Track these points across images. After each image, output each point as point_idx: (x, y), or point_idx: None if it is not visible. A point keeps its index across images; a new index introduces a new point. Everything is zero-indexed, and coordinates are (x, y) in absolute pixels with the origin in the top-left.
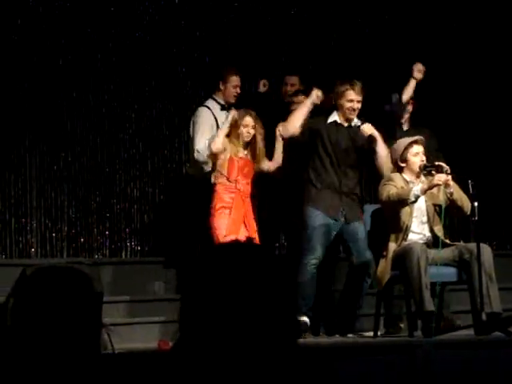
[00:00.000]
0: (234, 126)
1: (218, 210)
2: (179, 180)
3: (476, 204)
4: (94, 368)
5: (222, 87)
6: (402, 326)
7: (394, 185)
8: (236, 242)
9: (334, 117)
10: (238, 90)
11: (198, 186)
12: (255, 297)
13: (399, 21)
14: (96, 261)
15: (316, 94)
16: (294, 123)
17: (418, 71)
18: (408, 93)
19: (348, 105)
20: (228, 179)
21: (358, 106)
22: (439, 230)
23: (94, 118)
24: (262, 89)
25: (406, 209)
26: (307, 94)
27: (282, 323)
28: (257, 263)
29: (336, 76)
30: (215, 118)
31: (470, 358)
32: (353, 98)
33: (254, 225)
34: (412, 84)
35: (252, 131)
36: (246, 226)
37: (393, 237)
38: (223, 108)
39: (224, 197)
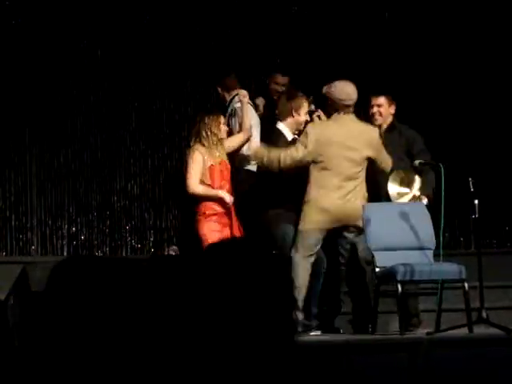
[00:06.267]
0: (206, 131)
1: (207, 216)
2: (179, 177)
3: (476, 202)
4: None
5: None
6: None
7: None
8: (228, 244)
9: (289, 133)
10: None
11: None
12: (248, 295)
13: (393, 19)
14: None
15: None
16: None
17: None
18: None
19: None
20: (212, 187)
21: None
22: None
23: (94, 116)
24: (260, 109)
25: None
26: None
27: (278, 321)
28: (249, 263)
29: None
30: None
31: (470, 356)
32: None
33: (239, 224)
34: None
35: (226, 128)
36: (230, 228)
37: None
38: None
39: (211, 204)
